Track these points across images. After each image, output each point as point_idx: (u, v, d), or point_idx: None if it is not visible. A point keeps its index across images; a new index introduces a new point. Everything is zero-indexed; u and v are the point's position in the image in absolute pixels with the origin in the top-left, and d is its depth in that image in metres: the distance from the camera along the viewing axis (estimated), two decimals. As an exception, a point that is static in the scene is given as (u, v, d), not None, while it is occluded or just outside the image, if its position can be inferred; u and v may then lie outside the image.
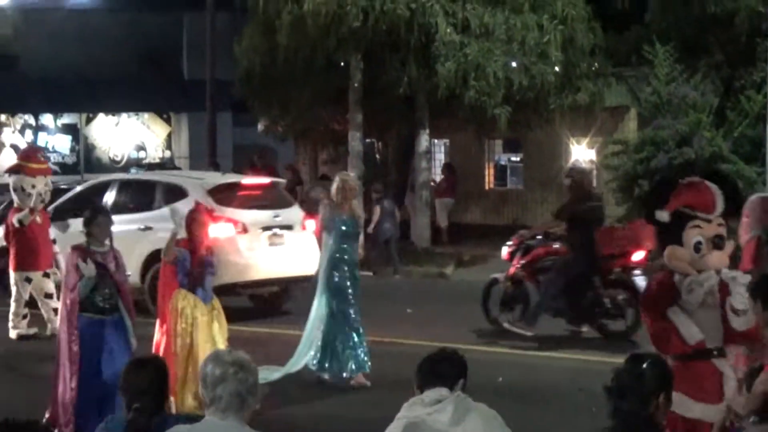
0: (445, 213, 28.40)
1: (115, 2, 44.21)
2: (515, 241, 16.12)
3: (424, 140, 26.52)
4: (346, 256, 13.00)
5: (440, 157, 32.13)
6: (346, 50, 24.76)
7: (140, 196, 18.72)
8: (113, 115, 47.77)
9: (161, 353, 11.00)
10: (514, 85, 23.58)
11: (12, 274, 16.10)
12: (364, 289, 13.49)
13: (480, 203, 30.62)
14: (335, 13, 23.32)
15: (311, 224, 17.72)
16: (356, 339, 12.87)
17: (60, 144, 46.98)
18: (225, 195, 17.61)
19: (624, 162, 23.21)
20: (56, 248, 16.16)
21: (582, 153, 28.79)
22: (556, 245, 15.64)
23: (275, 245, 17.61)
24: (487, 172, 31.23)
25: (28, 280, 15.99)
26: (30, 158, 16.56)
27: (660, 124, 22.62)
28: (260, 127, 31.05)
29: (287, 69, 25.93)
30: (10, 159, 44.75)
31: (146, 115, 48.75)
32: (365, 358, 12.87)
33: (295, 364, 13.07)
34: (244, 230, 17.25)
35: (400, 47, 24.20)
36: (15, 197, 16.18)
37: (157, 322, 11.50)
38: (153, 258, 16.27)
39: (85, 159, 47.76)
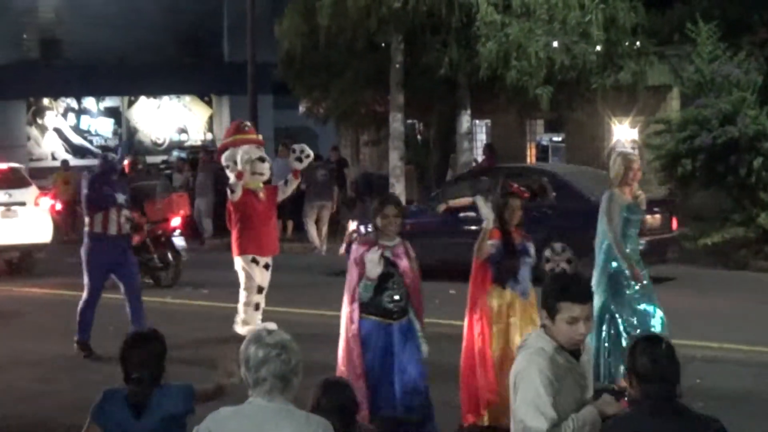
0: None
1: (156, -14, 44.38)
2: None
3: (465, 121, 26.49)
4: (627, 247, 11.05)
5: (481, 137, 32.06)
6: (386, 31, 24.74)
7: None
8: (155, 97, 48.07)
9: (476, 356, 9.80)
10: (555, 64, 23.48)
11: (236, 260, 14.40)
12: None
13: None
14: (376, -6, 23.34)
15: (45, 201, 22.66)
16: (623, 343, 10.81)
17: (102, 127, 47.34)
18: None
19: (667, 141, 23.06)
20: None
21: (624, 132, 28.66)
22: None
23: (8, 218, 21.60)
24: (528, 153, 31.13)
25: (255, 261, 14.26)
26: (236, 132, 14.84)
27: (703, 103, 22.45)
28: (301, 109, 31.10)
29: (328, 51, 25.97)
30: (53, 142, 45.25)
31: (188, 98, 49.03)
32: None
33: None
34: None
35: (441, 28, 24.16)
36: (231, 175, 14.36)
37: (467, 322, 10.08)
38: None
39: (128, 142, 48.03)
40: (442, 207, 19.38)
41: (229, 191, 14.30)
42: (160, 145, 48.24)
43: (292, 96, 30.77)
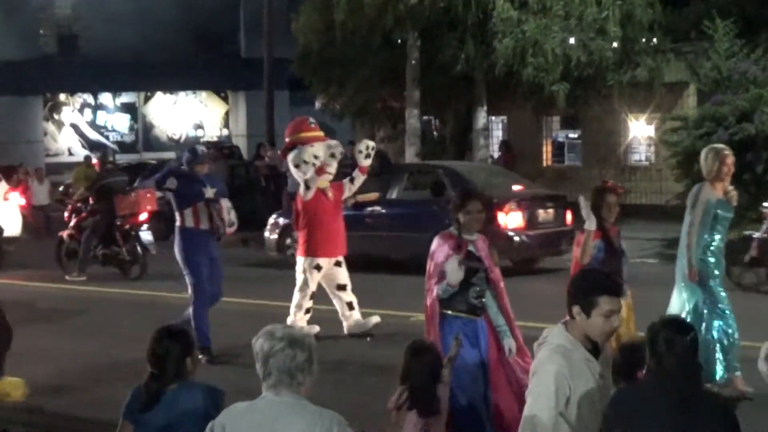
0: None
1: (173, -19, 44.40)
2: (70, 207, 21.29)
3: (481, 117, 26.46)
4: (713, 246, 10.73)
5: (498, 134, 32.05)
6: (403, 28, 24.75)
7: None
8: (171, 93, 48.13)
9: None
10: (572, 61, 23.47)
11: (300, 260, 13.92)
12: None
13: (537, 180, 30.49)
14: (392, -9, 23.35)
15: (14, 196, 23.47)
16: (725, 341, 10.60)
17: (119, 123, 47.43)
18: None
19: (683, 138, 22.99)
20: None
21: (641, 129, 28.61)
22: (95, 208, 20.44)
23: None
24: (544, 149, 31.11)
25: (318, 267, 13.79)
26: (300, 128, 14.15)
27: (720, 100, 22.38)
28: (317, 105, 31.11)
29: (344, 47, 26.00)
30: (70, 138, 45.35)
31: (204, 94, 49.09)
32: (735, 364, 10.62)
33: None
34: None
35: (458, 24, 24.16)
36: (299, 174, 13.78)
37: None
38: None
39: (144, 138, 48.14)
40: (350, 201, 20.19)
41: (302, 190, 13.82)
42: (176, 140, 48.30)
43: (308, 92, 30.79)
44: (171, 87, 47.39)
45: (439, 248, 8.62)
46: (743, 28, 23.62)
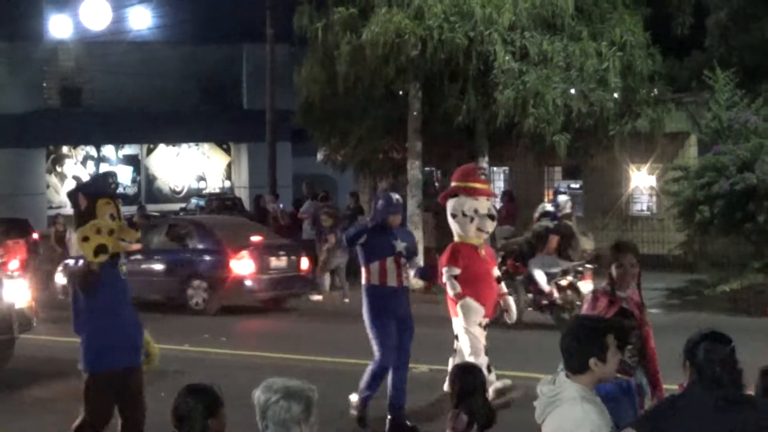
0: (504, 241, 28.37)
1: (176, 35, 44.65)
2: None
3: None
4: None
5: (500, 184, 32.07)
6: (404, 79, 24.85)
7: None
8: (174, 145, 48.26)
9: None
10: (573, 112, 23.52)
11: (456, 321, 12.84)
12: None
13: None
14: (394, 43, 23.40)
15: None
16: None
17: (121, 175, 47.50)
18: None
19: (684, 188, 23.02)
20: None
21: (642, 179, 28.65)
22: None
23: None
24: (546, 199, 31.12)
25: (479, 323, 12.73)
26: (469, 177, 13.12)
27: (721, 150, 22.43)
28: (319, 156, 31.19)
29: (346, 98, 26.08)
30: (72, 190, 45.46)
31: (206, 146, 49.22)
32: None
33: None
34: None
35: (459, 76, 24.24)
36: (454, 225, 12.92)
37: None
38: None
39: (146, 190, 48.22)
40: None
41: (473, 231, 12.87)
42: (179, 192, 48.41)
43: (310, 143, 30.88)
44: (174, 139, 47.55)
45: (591, 307, 8.26)
46: (744, 78, 23.73)
